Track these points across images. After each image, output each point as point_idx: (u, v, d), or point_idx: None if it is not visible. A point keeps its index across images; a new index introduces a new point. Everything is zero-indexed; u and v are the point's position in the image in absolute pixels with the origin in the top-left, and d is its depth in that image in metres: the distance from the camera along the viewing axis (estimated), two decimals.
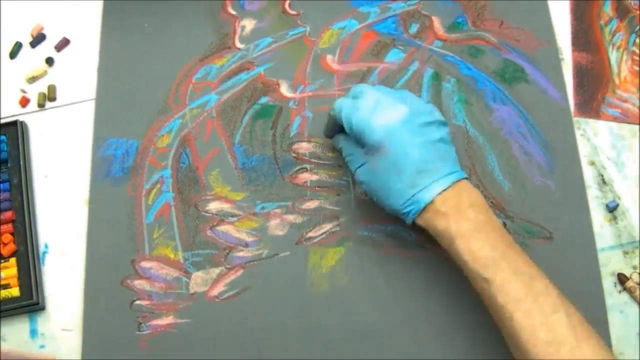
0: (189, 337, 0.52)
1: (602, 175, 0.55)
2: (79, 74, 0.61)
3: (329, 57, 0.60)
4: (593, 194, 0.54)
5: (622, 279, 0.51)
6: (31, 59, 0.63)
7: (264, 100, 0.59)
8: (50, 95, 0.61)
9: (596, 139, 0.56)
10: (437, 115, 0.48)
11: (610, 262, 0.52)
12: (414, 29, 0.61)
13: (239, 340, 0.51)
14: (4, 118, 0.60)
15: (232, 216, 0.55)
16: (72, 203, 0.57)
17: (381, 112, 0.46)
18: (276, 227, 0.54)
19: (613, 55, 0.59)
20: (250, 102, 0.59)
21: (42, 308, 0.53)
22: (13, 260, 0.54)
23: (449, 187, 0.45)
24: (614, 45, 0.59)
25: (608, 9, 0.60)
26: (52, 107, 0.61)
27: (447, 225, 0.45)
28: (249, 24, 0.62)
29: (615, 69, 0.58)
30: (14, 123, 0.58)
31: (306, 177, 0.56)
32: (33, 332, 0.53)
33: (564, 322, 0.41)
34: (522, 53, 0.59)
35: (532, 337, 0.41)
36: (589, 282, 0.51)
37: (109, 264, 0.54)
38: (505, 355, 0.49)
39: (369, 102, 0.47)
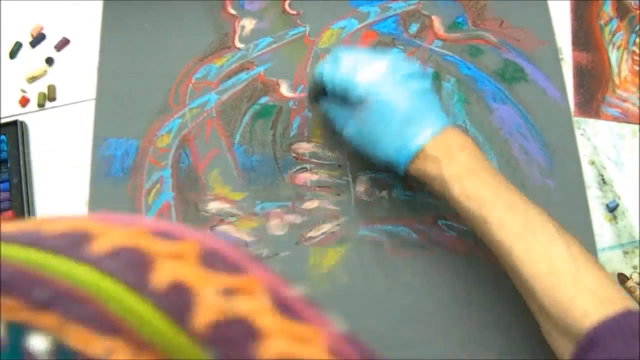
0: None
1: (602, 175, 0.55)
2: (79, 74, 0.61)
3: None
4: (593, 194, 0.54)
5: (622, 279, 0.51)
6: (31, 59, 0.62)
7: (263, 100, 0.59)
8: (50, 95, 0.61)
9: (596, 139, 0.56)
10: (418, 68, 0.49)
11: (610, 262, 0.52)
12: (414, 28, 0.61)
13: None
14: (4, 118, 0.60)
15: (232, 216, 0.55)
16: (72, 203, 0.57)
17: (362, 68, 0.47)
18: (276, 227, 0.54)
19: (613, 55, 0.59)
20: (250, 102, 0.59)
21: None
22: None
23: (438, 133, 0.46)
24: (614, 45, 0.59)
25: (608, 9, 0.60)
26: (52, 107, 0.61)
27: (439, 169, 0.45)
28: (248, 24, 0.62)
29: (615, 69, 0.58)
30: (14, 123, 0.58)
31: (306, 177, 0.56)
32: None
33: (563, 253, 0.41)
34: (522, 53, 0.59)
35: (533, 269, 0.41)
36: None
37: None
38: (505, 355, 0.49)
39: (349, 61, 0.47)
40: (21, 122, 0.59)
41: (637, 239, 0.53)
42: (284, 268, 0.53)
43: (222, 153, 0.57)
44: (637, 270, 0.52)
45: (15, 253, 0.18)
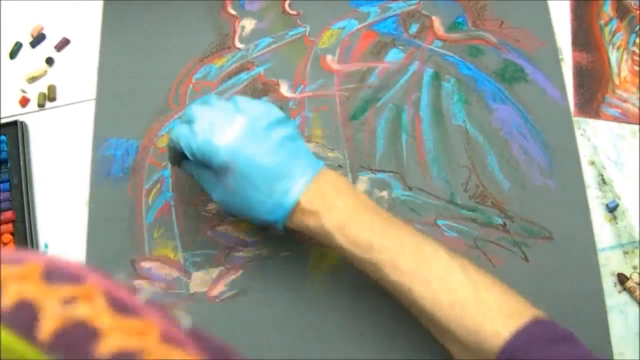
0: None
1: (602, 175, 0.55)
2: (79, 74, 0.61)
3: (328, 57, 0.60)
4: (593, 194, 0.54)
5: (622, 279, 0.51)
6: (31, 59, 0.63)
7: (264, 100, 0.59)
8: (50, 95, 0.61)
9: (596, 139, 0.56)
10: (277, 113, 0.46)
11: (610, 262, 0.52)
12: (414, 28, 0.61)
13: (238, 340, 0.51)
14: (4, 118, 0.60)
15: (231, 216, 0.55)
16: (72, 203, 0.57)
17: (219, 130, 0.44)
18: None
19: (613, 55, 0.59)
20: None
21: None
22: None
23: (310, 182, 0.44)
24: (614, 45, 0.59)
25: (608, 9, 0.60)
26: (52, 107, 0.61)
27: (319, 222, 0.43)
28: (248, 24, 0.62)
29: (615, 69, 0.58)
30: (14, 123, 0.58)
31: None
32: None
33: (461, 279, 0.41)
34: (522, 53, 0.59)
35: (435, 303, 0.41)
36: (589, 282, 0.51)
37: (109, 264, 0.54)
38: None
39: (204, 124, 0.44)
40: (21, 122, 0.59)
41: (637, 239, 0.53)
42: (284, 268, 0.53)
43: None
44: (637, 270, 0.52)
45: None
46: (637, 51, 0.59)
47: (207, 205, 0.55)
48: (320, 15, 0.62)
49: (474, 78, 0.58)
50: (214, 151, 0.43)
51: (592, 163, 0.55)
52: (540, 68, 0.58)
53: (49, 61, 0.62)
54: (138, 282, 0.53)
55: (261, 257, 0.54)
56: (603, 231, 0.53)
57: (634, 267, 0.52)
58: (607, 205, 0.54)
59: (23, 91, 0.61)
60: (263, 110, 0.45)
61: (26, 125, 0.59)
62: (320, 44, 0.61)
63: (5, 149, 0.58)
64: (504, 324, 0.39)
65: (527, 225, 0.53)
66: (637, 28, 0.59)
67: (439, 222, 0.53)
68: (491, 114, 0.57)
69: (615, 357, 0.49)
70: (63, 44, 0.63)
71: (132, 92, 0.60)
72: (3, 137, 0.58)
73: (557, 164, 0.55)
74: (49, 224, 0.56)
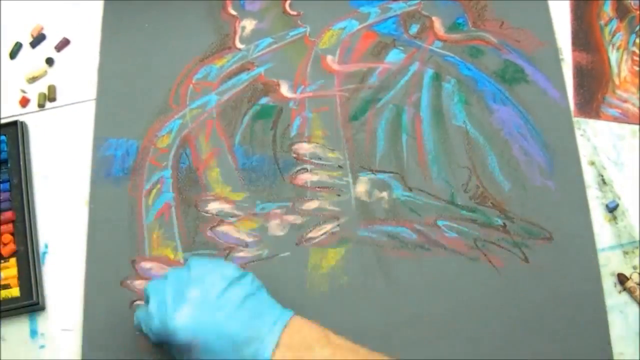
0: None
1: (602, 175, 0.55)
2: (79, 74, 0.61)
3: (329, 58, 0.60)
4: (593, 194, 0.54)
5: (622, 279, 0.51)
6: (31, 59, 0.62)
7: (264, 100, 0.59)
8: (50, 96, 0.61)
9: (596, 139, 0.56)
10: (231, 272, 0.45)
11: (610, 262, 0.52)
12: (414, 29, 0.61)
13: None
14: (4, 118, 0.60)
15: (232, 216, 0.55)
16: (72, 203, 0.57)
17: (173, 310, 0.42)
18: (276, 227, 0.54)
19: (613, 56, 0.59)
20: (251, 102, 0.59)
21: (42, 308, 0.53)
22: (13, 260, 0.54)
23: (279, 339, 0.42)
24: (614, 45, 0.59)
25: (608, 9, 0.60)
26: (52, 107, 0.61)
27: None
28: (249, 25, 0.62)
29: (615, 69, 0.58)
30: (14, 123, 0.58)
31: (306, 177, 0.56)
32: (33, 332, 0.53)
33: None
34: (522, 53, 0.59)
35: None
36: (589, 282, 0.51)
37: (109, 264, 0.54)
38: (505, 354, 0.49)
39: (156, 306, 0.43)
40: (21, 123, 0.59)
41: (637, 239, 0.53)
42: (284, 268, 0.53)
43: (223, 153, 0.57)
44: (637, 271, 0.52)
45: None
46: (637, 51, 0.59)
47: (207, 205, 0.55)
48: (321, 16, 0.62)
49: (474, 79, 0.58)
50: (172, 332, 0.42)
51: (592, 163, 0.55)
52: (540, 68, 0.58)
53: (49, 61, 0.62)
54: (138, 282, 0.53)
55: (261, 258, 0.54)
56: (603, 231, 0.53)
57: (634, 267, 0.52)
58: (607, 206, 0.54)
59: (23, 91, 0.61)
60: (216, 276, 0.44)
61: (26, 125, 0.59)
62: (320, 44, 0.61)
63: (5, 149, 0.58)
64: None
65: (527, 225, 0.53)
66: (637, 28, 0.60)
67: (439, 223, 0.53)
68: (491, 114, 0.57)
69: (615, 357, 0.49)
70: (63, 44, 0.63)
71: (133, 92, 0.60)
72: (3, 137, 0.58)
73: (557, 165, 0.55)
74: (49, 224, 0.56)
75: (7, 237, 0.54)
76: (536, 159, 0.55)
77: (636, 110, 0.57)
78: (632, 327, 0.50)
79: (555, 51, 0.59)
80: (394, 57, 0.60)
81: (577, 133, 0.56)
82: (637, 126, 0.56)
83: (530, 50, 0.59)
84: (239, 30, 0.62)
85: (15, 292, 0.53)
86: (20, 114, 0.60)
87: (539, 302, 0.51)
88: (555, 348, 0.49)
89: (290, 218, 0.55)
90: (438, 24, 0.61)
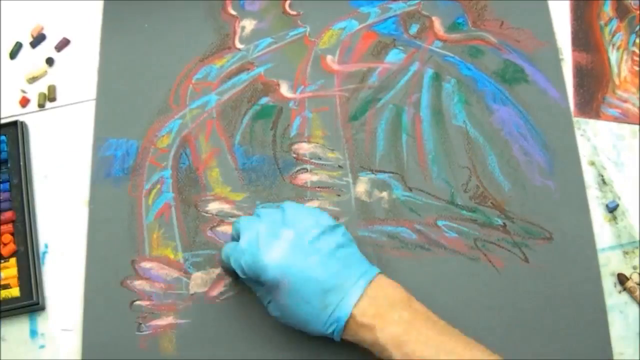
0: (189, 337, 0.52)
1: (602, 175, 0.55)
2: (79, 74, 0.61)
3: (329, 58, 0.60)
4: (593, 194, 0.54)
5: (622, 279, 0.51)
6: (31, 59, 0.63)
7: (264, 100, 0.59)
8: (50, 96, 0.61)
9: (596, 139, 0.56)
10: (325, 220, 0.46)
11: (610, 262, 0.52)
12: (414, 29, 0.61)
13: (239, 341, 0.51)
14: (4, 118, 0.60)
15: (232, 217, 0.55)
16: (72, 203, 0.57)
17: (266, 247, 0.44)
18: None
19: (613, 56, 0.59)
20: (251, 102, 0.59)
21: (42, 308, 0.53)
22: (13, 260, 0.54)
23: (363, 294, 0.43)
24: (614, 45, 0.59)
25: (608, 9, 0.60)
26: (52, 107, 0.61)
27: (374, 336, 0.42)
28: (249, 25, 0.62)
29: (615, 69, 0.58)
30: (14, 123, 0.58)
31: (306, 177, 0.56)
32: (33, 332, 0.53)
33: None
34: (522, 53, 0.59)
35: None
36: (589, 282, 0.51)
37: (109, 264, 0.54)
38: (505, 355, 0.49)
39: (251, 240, 0.45)
40: (21, 123, 0.59)
41: (637, 239, 0.53)
42: None
43: (223, 154, 0.57)
44: (637, 271, 0.52)
45: None
46: (637, 51, 0.59)
47: (207, 205, 0.55)
48: (321, 16, 0.62)
49: (474, 79, 0.58)
50: (262, 269, 0.44)
51: (592, 163, 0.55)
52: (540, 69, 0.58)
53: (49, 61, 0.62)
54: (138, 282, 0.53)
55: None
56: (603, 231, 0.53)
57: (634, 267, 0.52)
58: (607, 206, 0.54)
59: (23, 91, 0.61)
60: (311, 221, 0.45)
61: (26, 125, 0.59)
62: (320, 44, 0.61)
63: (5, 149, 0.58)
64: None
65: (527, 225, 0.53)
66: (637, 28, 0.60)
67: (439, 223, 0.53)
68: (491, 114, 0.57)
69: (615, 357, 0.49)
70: (63, 44, 0.63)
71: (132, 92, 0.60)
72: (3, 137, 0.58)
73: (557, 165, 0.55)
74: (49, 224, 0.56)
75: (7, 237, 0.54)
76: (536, 159, 0.55)
77: (636, 110, 0.57)
78: (632, 327, 0.50)
79: (555, 51, 0.59)
80: (394, 57, 0.60)
81: (577, 133, 0.56)
82: (637, 126, 0.56)
83: (530, 50, 0.59)
84: (238, 30, 0.62)
85: (15, 292, 0.53)
86: (20, 114, 0.60)
87: (539, 302, 0.51)
88: (555, 348, 0.49)
89: None
90: (438, 24, 0.61)
